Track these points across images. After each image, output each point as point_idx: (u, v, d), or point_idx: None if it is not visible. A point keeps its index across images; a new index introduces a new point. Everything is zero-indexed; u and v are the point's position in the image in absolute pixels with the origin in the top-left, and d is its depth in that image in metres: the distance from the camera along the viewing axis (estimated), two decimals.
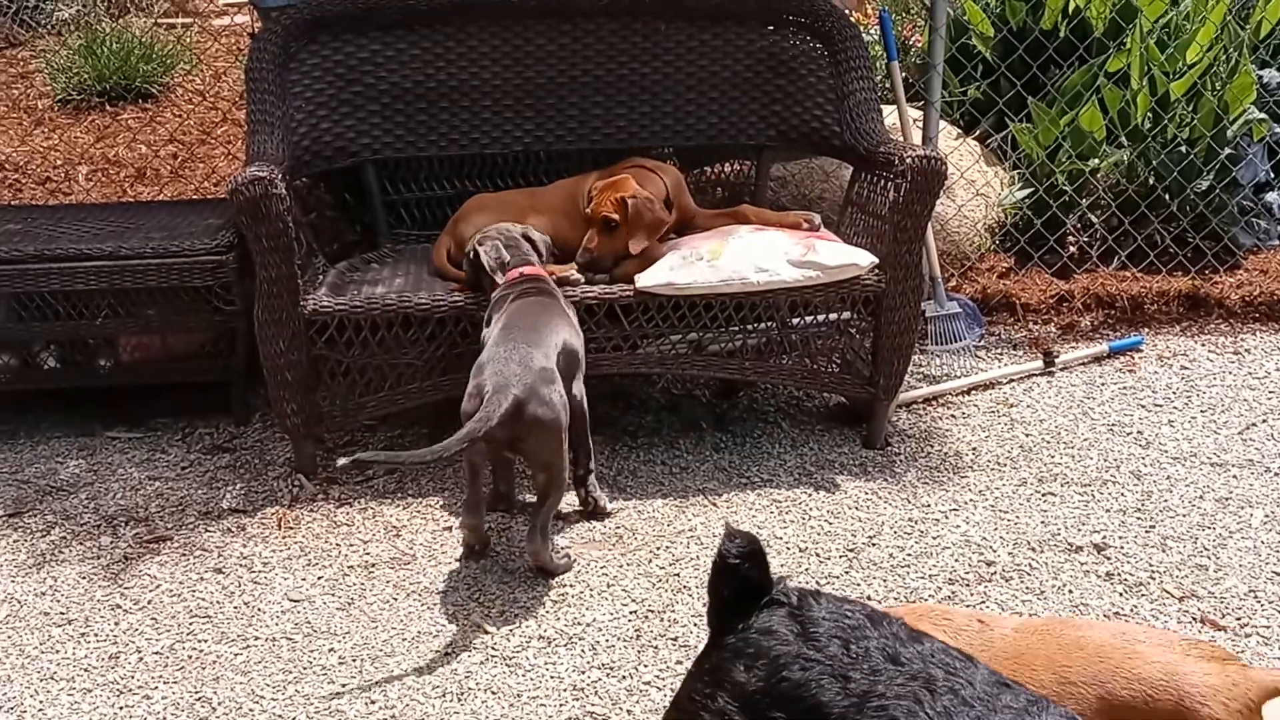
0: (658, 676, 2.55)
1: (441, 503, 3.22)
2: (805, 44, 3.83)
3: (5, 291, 3.42)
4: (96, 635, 2.67)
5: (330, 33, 3.70)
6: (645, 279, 3.25)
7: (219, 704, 2.46)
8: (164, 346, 3.57)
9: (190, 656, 2.61)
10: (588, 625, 2.72)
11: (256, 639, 2.66)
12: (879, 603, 2.80)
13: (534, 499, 2.99)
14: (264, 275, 3.11)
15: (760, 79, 3.86)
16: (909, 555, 3.01)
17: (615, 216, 3.29)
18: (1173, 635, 2.08)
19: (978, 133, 4.95)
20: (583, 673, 2.56)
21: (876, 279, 3.33)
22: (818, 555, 3.00)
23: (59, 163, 5.84)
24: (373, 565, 2.95)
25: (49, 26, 8.31)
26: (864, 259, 3.29)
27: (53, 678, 2.54)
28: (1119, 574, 2.92)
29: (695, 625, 2.72)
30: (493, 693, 2.50)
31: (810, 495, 3.28)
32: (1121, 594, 2.82)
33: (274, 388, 3.21)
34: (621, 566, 2.94)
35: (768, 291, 3.26)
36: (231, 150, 5.95)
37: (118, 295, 3.46)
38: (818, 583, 2.88)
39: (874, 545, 3.05)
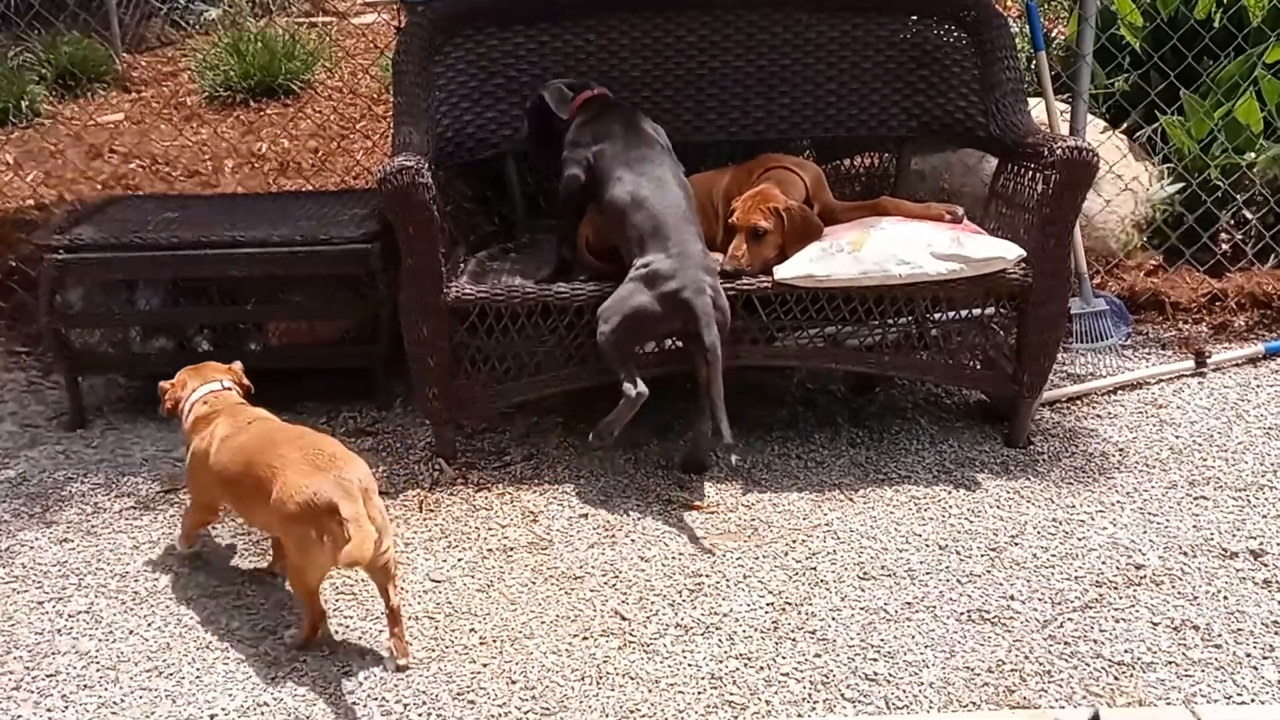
0: (796, 669, 2.53)
1: (576, 490, 3.24)
2: (950, 34, 3.76)
3: (163, 277, 3.56)
4: (248, 609, 2.76)
5: (474, 26, 3.76)
6: (784, 270, 3.22)
7: (365, 679, 2.52)
8: (311, 332, 3.67)
9: (336, 632, 2.67)
10: (724, 615, 2.71)
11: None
12: (1022, 604, 2.74)
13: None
14: (409, 263, 3.18)
15: (903, 69, 3.80)
16: (1053, 556, 2.93)
17: (766, 225, 3.26)
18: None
19: (1125, 126, 4.79)
20: (720, 662, 2.56)
21: (1023, 273, 3.25)
22: (958, 553, 2.94)
23: (207, 157, 6.05)
24: (511, 549, 2.98)
25: (198, 26, 8.64)
26: (1011, 252, 3.22)
27: (208, 647, 2.63)
28: (1277, 581, 2.80)
29: (834, 620, 2.69)
30: (631, 678, 2.51)
31: (950, 493, 3.21)
32: None
33: (417, 373, 3.27)
34: (758, 559, 2.93)
35: (910, 284, 3.21)
36: (370, 144, 6.09)
37: (268, 282, 3.57)
38: (958, 581, 2.83)
39: (1017, 545, 2.98)
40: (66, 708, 2.45)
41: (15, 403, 3.82)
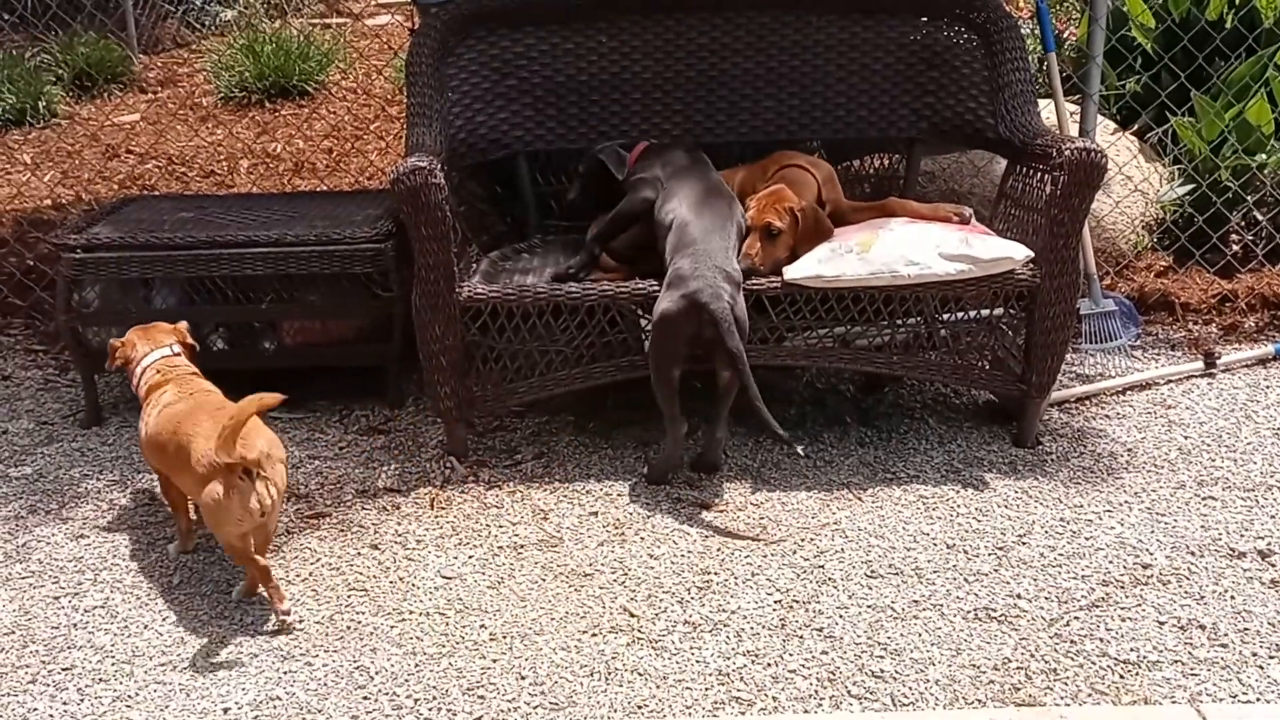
0: (803, 665, 2.55)
1: (586, 488, 3.27)
2: (960, 35, 3.77)
3: (179, 275, 3.59)
4: (262, 604, 2.79)
5: (486, 28, 3.79)
6: (793, 271, 3.24)
7: (376, 673, 2.55)
8: (324, 331, 3.70)
9: (349, 627, 2.70)
10: (732, 613, 2.73)
11: (411, 613, 2.75)
12: (1029, 602, 2.75)
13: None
14: (422, 262, 3.20)
15: (913, 71, 3.82)
16: (1060, 555, 2.94)
17: (780, 225, 3.29)
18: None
19: (1135, 127, 4.80)
20: (728, 658, 2.58)
21: (1031, 274, 3.26)
22: (965, 552, 2.96)
23: (222, 157, 6.10)
24: (521, 546, 3.01)
25: (213, 28, 8.70)
26: (1019, 252, 3.23)
27: (222, 641, 2.66)
28: None
29: (841, 617, 2.71)
30: (639, 674, 2.53)
31: (958, 492, 3.23)
32: None
33: (429, 372, 3.30)
34: (766, 556, 2.95)
35: (918, 285, 3.22)
36: (384, 145, 6.13)
37: (282, 281, 3.61)
38: (965, 580, 2.84)
39: (1024, 544, 2.99)
40: (82, 701, 2.48)
41: (32, 400, 3.87)
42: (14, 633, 2.71)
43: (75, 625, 2.73)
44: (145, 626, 2.72)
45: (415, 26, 4.12)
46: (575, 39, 3.81)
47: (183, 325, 3.13)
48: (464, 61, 3.78)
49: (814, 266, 3.22)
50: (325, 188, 5.57)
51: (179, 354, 3.05)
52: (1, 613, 2.78)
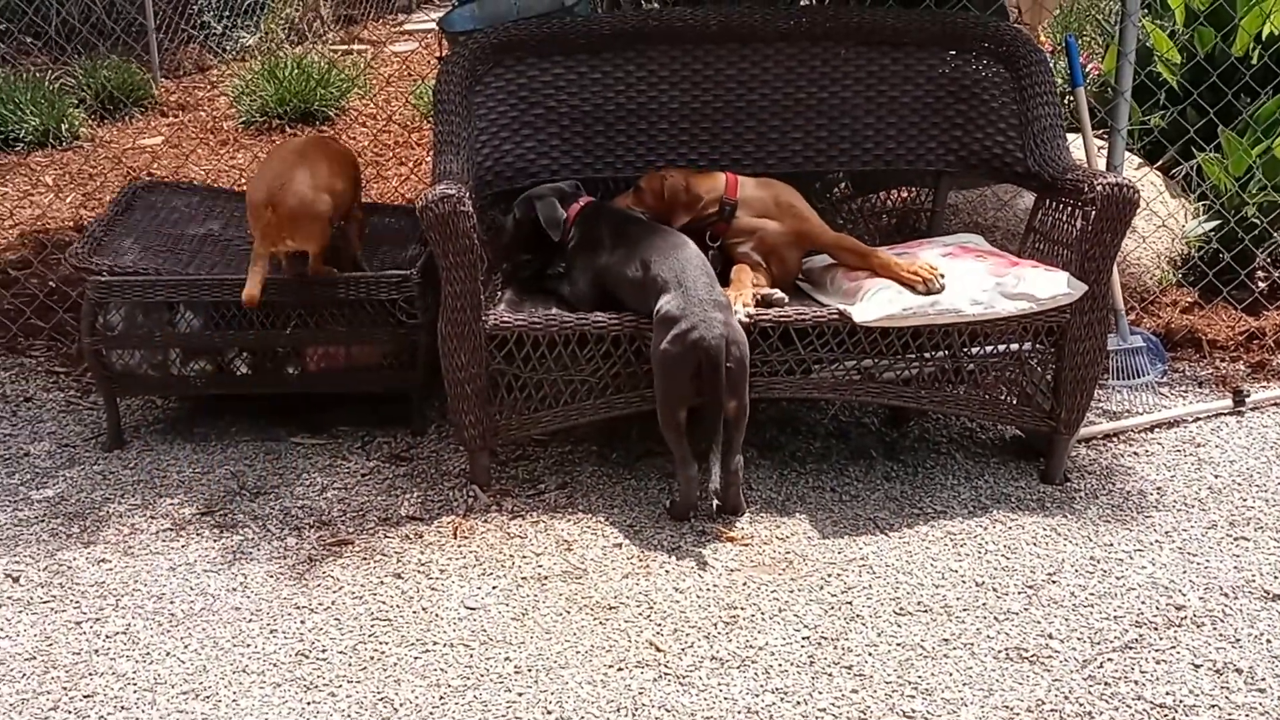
0: (833, 704, 2.51)
1: (610, 519, 3.24)
2: (988, 68, 3.76)
3: (203, 300, 3.59)
4: (284, 633, 2.77)
5: (515, 57, 3.79)
6: (863, 313, 3.17)
7: (400, 704, 2.52)
8: (348, 357, 3.69)
9: (372, 657, 2.68)
10: (760, 649, 2.70)
11: (435, 644, 2.72)
12: (1061, 642, 2.72)
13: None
14: (449, 290, 3.19)
15: (940, 104, 3.81)
16: (1091, 595, 2.90)
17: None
18: None
19: (1161, 162, 4.78)
20: (756, 695, 2.54)
21: (1062, 311, 3.24)
22: (995, 590, 2.92)
23: (243, 181, 6.10)
24: (545, 578, 2.98)
25: (234, 53, 8.75)
26: (1077, 287, 3.21)
27: (245, 670, 2.64)
28: None
29: (870, 655, 2.67)
30: (667, 710, 2.50)
31: (986, 529, 3.20)
32: None
33: (454, 400, 3.28)
34: (792, 592, 2.92)
35: (975, 322, 3.21)
36: (405, 172, 6.15)
37: (306, 307, 3.60)
38: (996, 618, 2.81)
39: (1054, 583, 2.95)
40: None
41: (54, 422, 3.86)
42: (35, 658, 2.68)
43: (97, 651, 2.71)
44: (167, 654, 2.70)
45: (442, 54, 4.12)
46: (603, 68, 3.81)
47: None
48: (491, 90, 3.78)
49: (884, 307, 3.18)
50: None
51: None
52: (23, 638, 2.76)
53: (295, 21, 9.09)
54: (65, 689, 2.58)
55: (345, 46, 9.01)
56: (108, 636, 2.76)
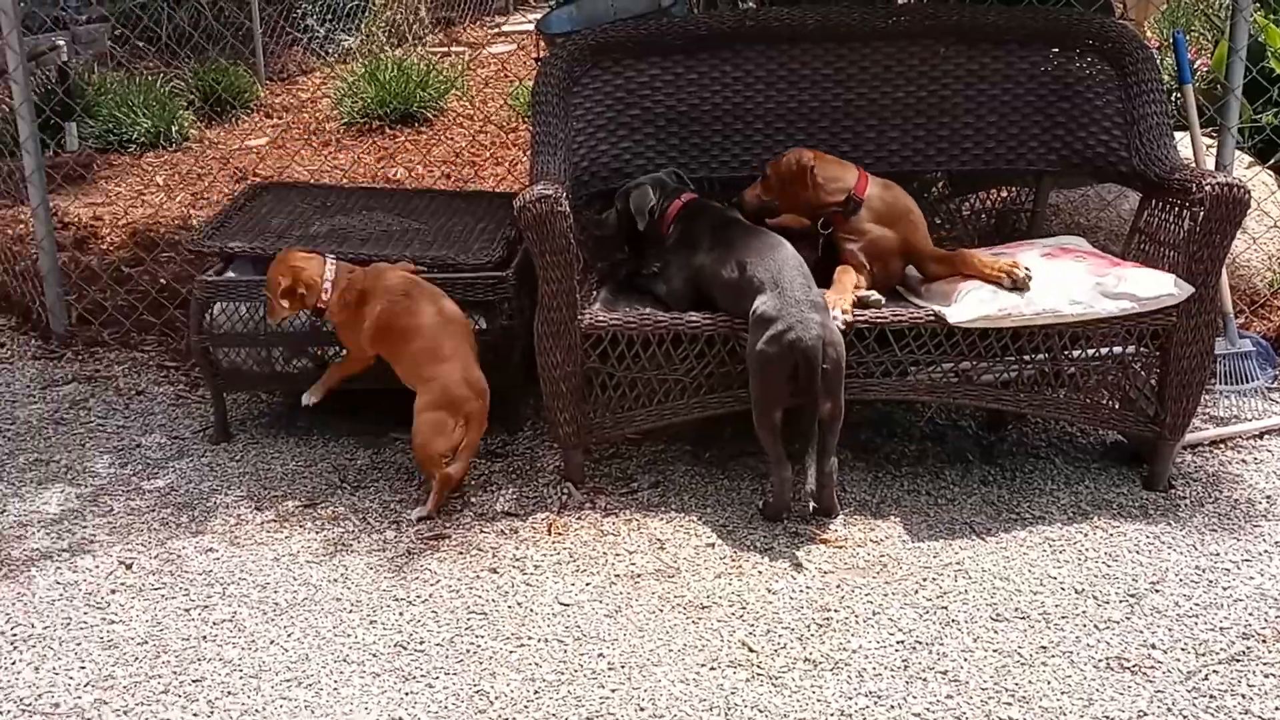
0: (927, 709, 2.49)
1: (703, 518, 3.25)
2: (1093, 66, 3.69)
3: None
4: (383, 624, 2.83)
5: (612, 58, 3.81)
6: (957, 314, 3.14)
7: (496, 697, 2.56)
8: None
9: (468, 650, 2.72)
10: (853, 651, 2.69)
11: (530, 638, 2.76)
12: (1164, 653, 2.66)
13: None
14: (546, 290, 3.23)
15: (1043, 102, 3.74)
16: (1196, 605, 2.83)
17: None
18: None
19: (1272, 161, 4.64)
20: (849, 699, 2.53)
21: (1167, 313, 3.17)
22: (1095, 598, 2.87)
23: (344, 181, 6.23)
24: (638, 576, 3.00)
25: (336, 55, 8.94)
26: (1183, 288, 3.14)
27: (345, 660, 2.70)
28: None
29: (966, 661, 2.64)
30: (759, 711, 2.50)
31: (1086, 535, 3.14)
32: None
33: (549, 398, 3.32)
34: (886, 595, 2.90)
35: (1073, 323, 3.15)
36: (501, 173, 6.22)
37: None
38: (1096, 627, 2.75)
39: (1157, 592, 2.89)
40: (212, 713, 2.54)
41: (164, 415, 3.99)
42: (147, 643, 2.78)
43: (205, 638, 2.80)
44: (271, 642, 2.77)
45: (540, 56, 4.16)
46: (699, 69, 3.81)
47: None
48: (589, 91, 3.81)
49: (979, 308, 3.15)
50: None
51: None
52: (136, 622, 2.86)
53: (395, 24, 9.25)
54: (175, 673, 2.67)
55: (444, 48, 9.16)
56: (215, 623, 2.85)
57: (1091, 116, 3.70)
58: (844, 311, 3.15)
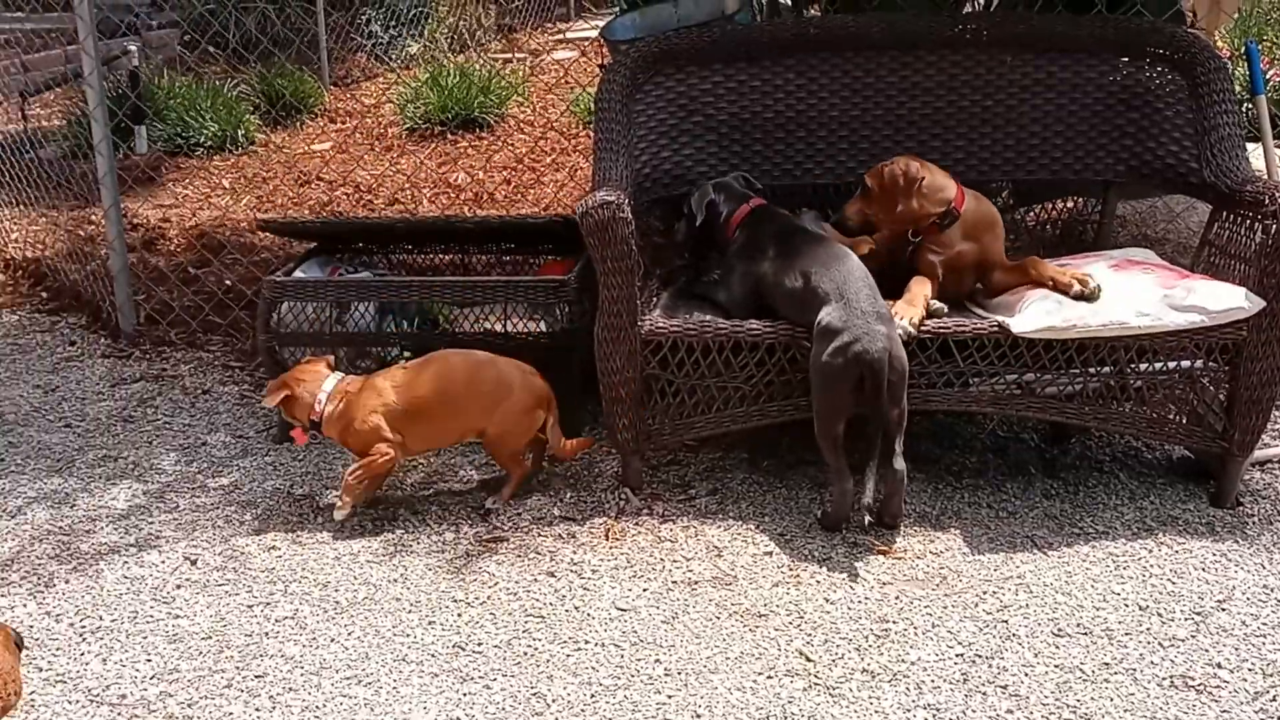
0: None
1: (760, 527, 3.24)
2: (1163, 75, 3.64)
3: (372, 301, 3.72)
4: (442, 625, 2.85)
5: (675, 65, 3.82)
6: (1021, 324, 3.12)
7: (553, 700, 2.57)
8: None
9: (526, 653, 2.74)
10: (912, 664, 2.67)
11: (587, 643, 2.77)
12: (1230, 673, 2.61)
13: None
14: (606, 295, 3.24)
15: (1111, 112, 3.70)
16: (1265, 625, 2.78)
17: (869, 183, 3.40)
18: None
19: None
20: (907, 710, 2.51)
21: (1237, 327, 3.11)
22: (1160, 615, 2.82)
23: (406, 185, 6.31)
24: (695, 583, 3.00)
25: (399, 61, 9.04)
26: (1255, 302, 3.09)
27: (404, 659, 2.73)
28: None
29: (1026, 676, 2.61)
30: None
31: (1151, 552, 3.09)
32: None
33: (608, 404, 3.33)
34: (946, 608, 2.87)
35: (1140, 335, 3.11)
36: (562, 179, 6.25)
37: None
38: (1160, 644, 2.71)
39: (1224, 610, 2.84)
40: (274, 709, 2.57)
41: (229, 414, 4.05)
42: (211, 638, 2.83)
43: (267, 634, 2.84)
44: (332, 640, 2.81)
45: (603, 62, 4.19)
46: (762, 76, 3.81)
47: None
48: (651, 98, 3.82)
49: (1043, 318, 3.12)
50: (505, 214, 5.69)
51: None
52: (200, 617, 2.91)
53: (458, 30, 9.34)
54: (238, 668, 2.71)
55: (506, 55, 9.23)
56: (277, 620, 2.89)
57: (1161, 127, 3.65)
58: (911, 324, 3.13)
